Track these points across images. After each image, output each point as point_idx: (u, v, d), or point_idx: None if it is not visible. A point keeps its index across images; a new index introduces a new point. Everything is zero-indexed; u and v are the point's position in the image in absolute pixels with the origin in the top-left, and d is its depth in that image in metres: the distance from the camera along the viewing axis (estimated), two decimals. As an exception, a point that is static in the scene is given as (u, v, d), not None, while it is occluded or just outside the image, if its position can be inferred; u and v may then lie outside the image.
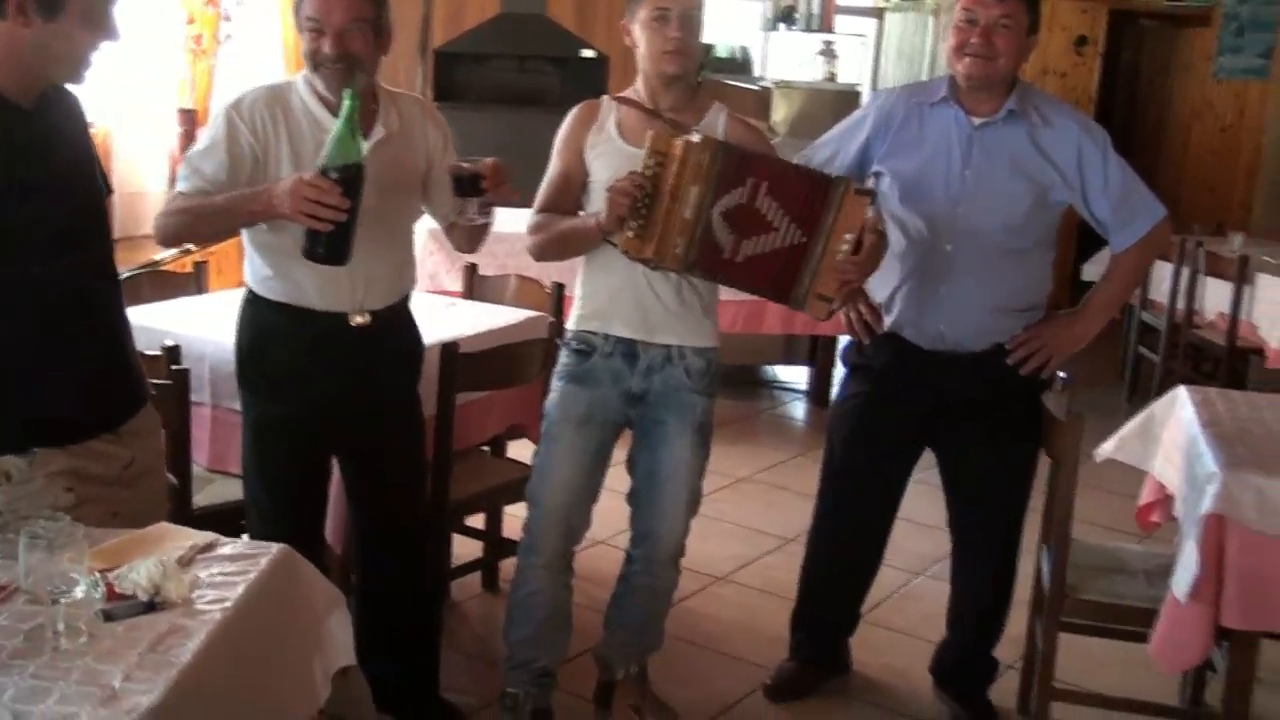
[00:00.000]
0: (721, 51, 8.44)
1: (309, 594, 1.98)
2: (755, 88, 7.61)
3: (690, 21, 2.81)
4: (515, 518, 3.26)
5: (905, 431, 3.22)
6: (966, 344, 3.10)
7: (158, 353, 2.88)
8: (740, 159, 2.76)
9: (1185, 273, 6.10)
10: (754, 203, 2.75)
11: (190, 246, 4.90)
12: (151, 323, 3.27)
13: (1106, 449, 3.37)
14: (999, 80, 3.01)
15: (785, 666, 3.51)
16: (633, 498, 3.06)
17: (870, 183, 3.13)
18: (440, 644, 3.35)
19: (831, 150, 3.21)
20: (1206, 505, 2.64)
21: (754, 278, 2.84)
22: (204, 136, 2.76)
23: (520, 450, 3.72)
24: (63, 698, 1.49)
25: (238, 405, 2.98)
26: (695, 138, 2.71)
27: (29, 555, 1.65)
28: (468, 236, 2.91)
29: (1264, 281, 5.67)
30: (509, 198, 2.70)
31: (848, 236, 2.75)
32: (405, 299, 2.95)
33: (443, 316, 3.61)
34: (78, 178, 2.17)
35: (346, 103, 2.43)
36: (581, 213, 2.93)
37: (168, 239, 2.73)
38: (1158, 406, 3.29)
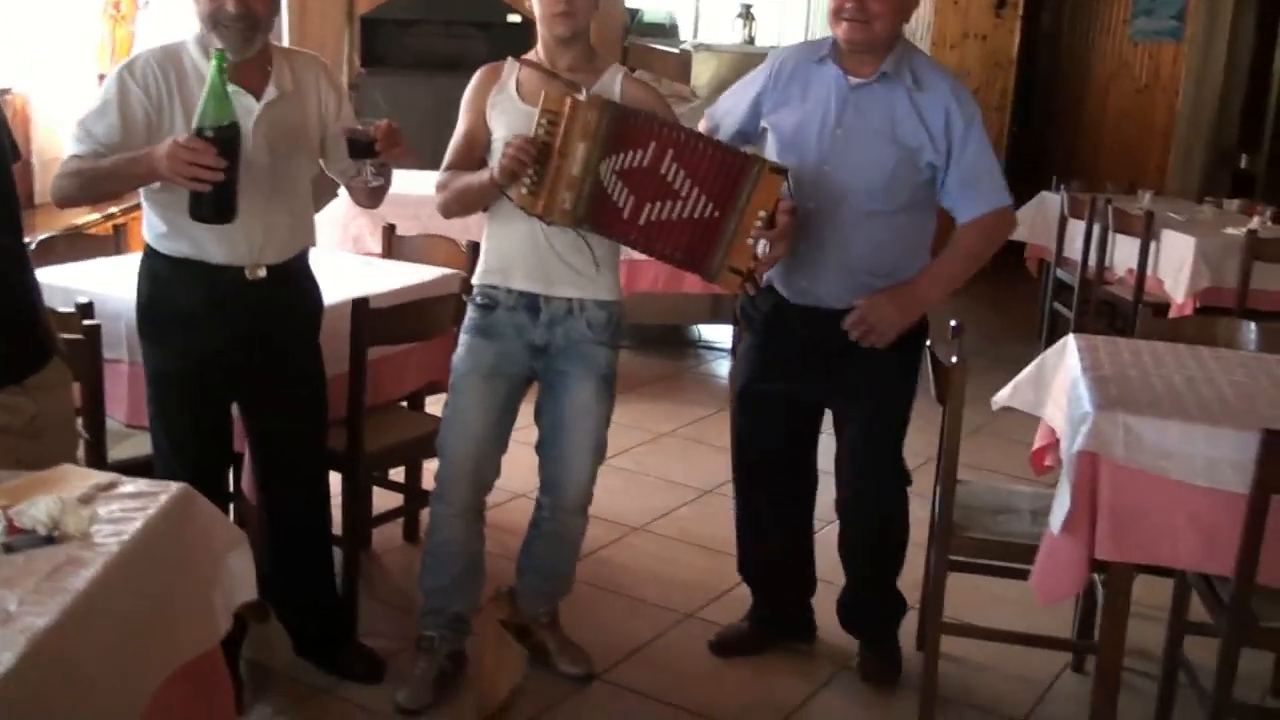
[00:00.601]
0: (651, 16, 8.53)
1: (207, 530, 2.06)
2: (677, 51, 7.71)
3: None
4: (434, 471, 3.36)
5: (790, 380, 3.28)
6: (829, 300, 3.15)
7: (71, 310, 2.93)
8: (630, 119, 2.86)
9: (1096, 230, 6.28)
10: (658, 168, 2.86)
11: (113, 210, 4.95)
12: (70, 282, 3.33)
13: (1002, 396, 3.49)
14: (878, 44, 3.03)
15: (735, 625, 3.57)
16: (540, 447, 3.17)
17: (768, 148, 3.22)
18: (358, 591, 3.45)
19: (730, 104, 3.29)
20: (1079, 443, 2.78)
21: (663, 245, 2.96)
22: (97, 98, 2.82)
23: (440, 406, 3.81)
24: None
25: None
26: (583, 96, 2.80)
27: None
28: (367, 195, 2.99)
29: (1168, 237, 5.84)
30: (401, 159, 2.81)
31: (761, 213, 2.88)
32: (303, 254, 3.03)
33: (358, 275, 3.68)
34: None
35: (214, 63, 2.51)
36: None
37: (62, 201, 2.79)
38: (1049, 354, 3.42)
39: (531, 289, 3.02)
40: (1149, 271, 5.91)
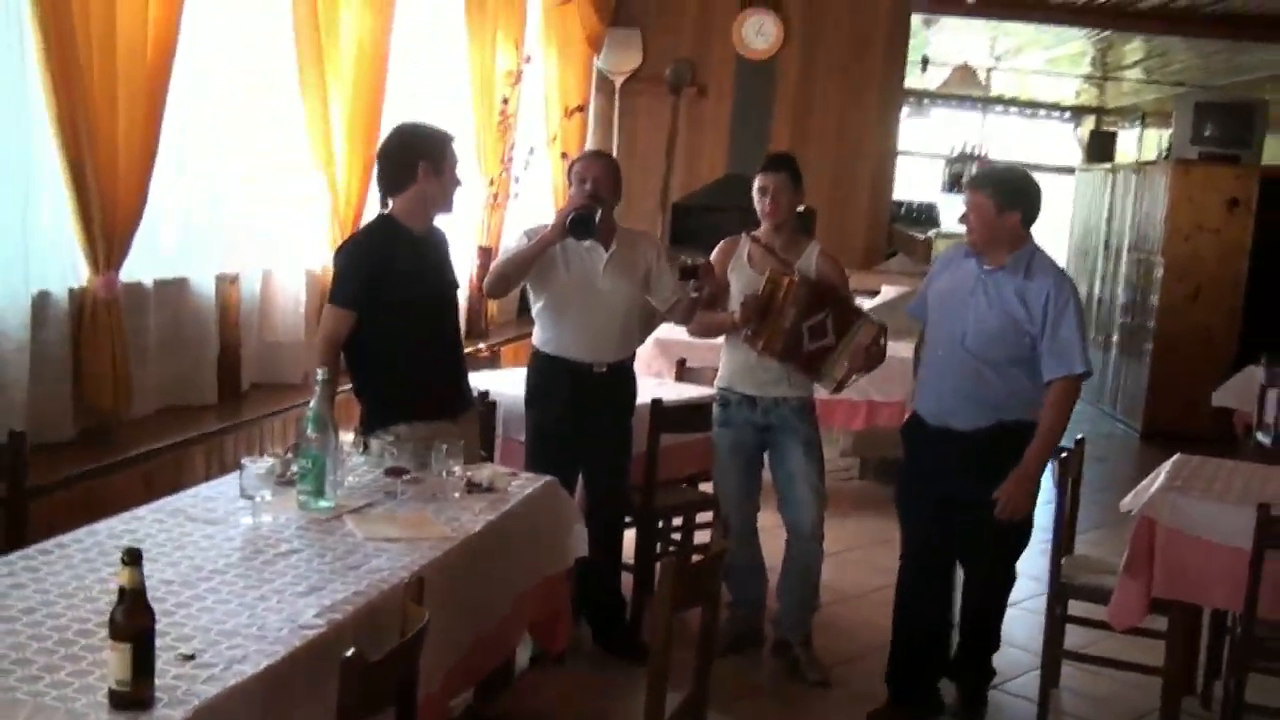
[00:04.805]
0: (913, 206, 10.06)
1: (562, 505, 3.68)
2: (922, 236, 9.19)
3: (779, 193, 4.48)
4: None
5: (931, 489, 4.25)
6: (957, 424, 4.13)
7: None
8: (819, 292, 4.41)
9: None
10: (825, 321, 4.41)
11: (480, 345, 6.72)
12: (472, 382, 5.02)
13: (1126, 502, 4.61)
14: (981, 246, 4.10)
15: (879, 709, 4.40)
16: (779, 501, 4.66)
17: None
18: (644, 604, 4.89)
19: (922, 286, 4.56)
20: (1138, 510, 4.03)
21: (797, 360, 4.48)
22: (510, 244, 4.51)
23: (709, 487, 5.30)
24: (440, 516, 3.16)
25: (519, 436, 4.67)
26: (796, 276, 4.38)
27: (433, 460, 3.35)
28: (685, 311, 4.52)
29: (1342, 403, 6.77)
30: (712, 284, 4.39)
31: (852, 346, 4.41)
32: (630, 359, 4.62)
33: (659, 390, 5.26)
34: (442, 273, 3.97)
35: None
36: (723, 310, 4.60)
37: (492, 289, 4.43)
38: (1162, 466, 4.59)
39: (749, 391, 4.59)
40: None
